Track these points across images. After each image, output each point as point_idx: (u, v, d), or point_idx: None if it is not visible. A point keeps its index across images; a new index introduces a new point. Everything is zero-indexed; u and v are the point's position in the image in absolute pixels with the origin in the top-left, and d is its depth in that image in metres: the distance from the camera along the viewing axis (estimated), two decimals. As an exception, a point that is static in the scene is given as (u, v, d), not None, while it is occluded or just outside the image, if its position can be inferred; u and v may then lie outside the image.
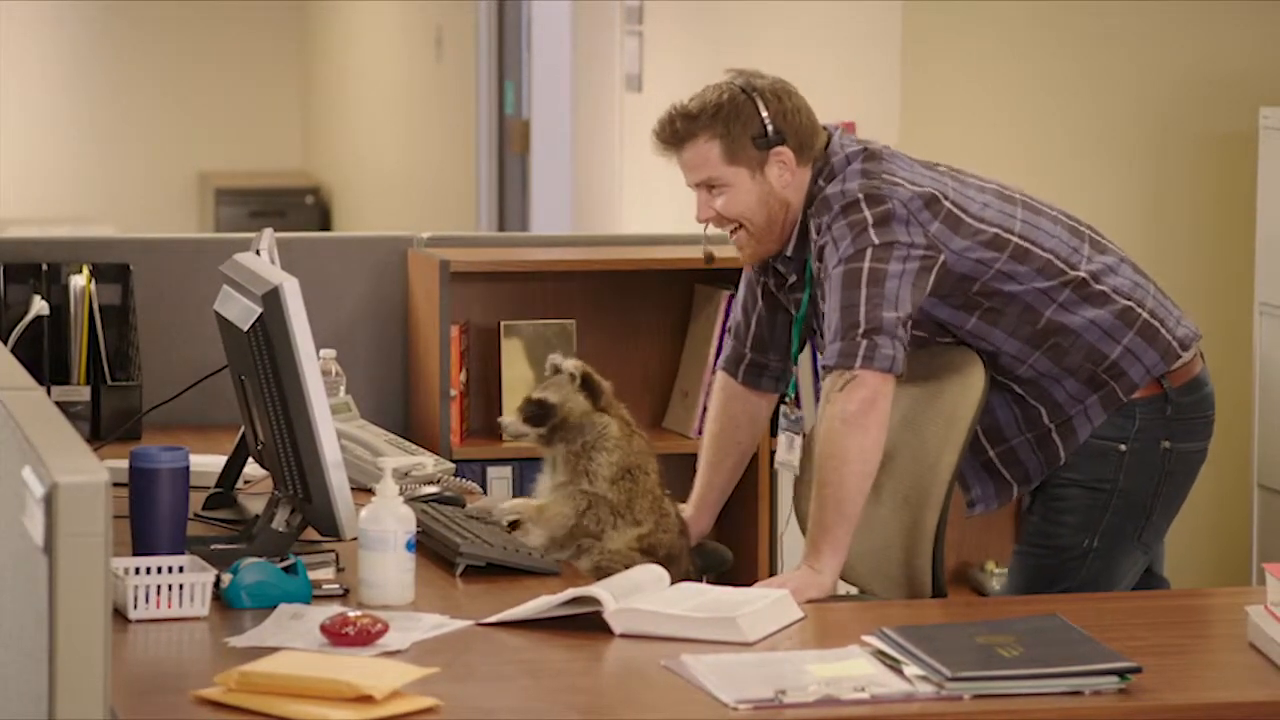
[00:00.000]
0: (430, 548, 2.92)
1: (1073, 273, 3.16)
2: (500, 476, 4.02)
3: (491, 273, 4.06)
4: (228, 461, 3.24)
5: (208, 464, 3.24)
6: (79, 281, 3.87)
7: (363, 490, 3.08)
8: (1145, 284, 3.23)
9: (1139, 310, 3.18)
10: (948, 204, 3.12)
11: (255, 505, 3.09)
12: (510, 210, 7.63)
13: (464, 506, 3.17)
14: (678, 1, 5.91)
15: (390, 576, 2.71)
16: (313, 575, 2.75)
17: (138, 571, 2.65)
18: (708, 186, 3.18)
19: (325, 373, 3.44)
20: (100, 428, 3.79)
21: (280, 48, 10.15)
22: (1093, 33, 4.55)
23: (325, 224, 9.83)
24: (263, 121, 10.18)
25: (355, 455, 3.32)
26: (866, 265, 3.06)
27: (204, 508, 3.17)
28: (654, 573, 2.79)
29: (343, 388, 3.61)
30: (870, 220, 3.09)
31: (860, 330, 3.03)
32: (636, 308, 4.15)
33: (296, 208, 9.82)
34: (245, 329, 2.81)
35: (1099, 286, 3.17)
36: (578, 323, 4.06)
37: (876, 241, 3.07)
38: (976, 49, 4.51)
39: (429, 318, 3.98)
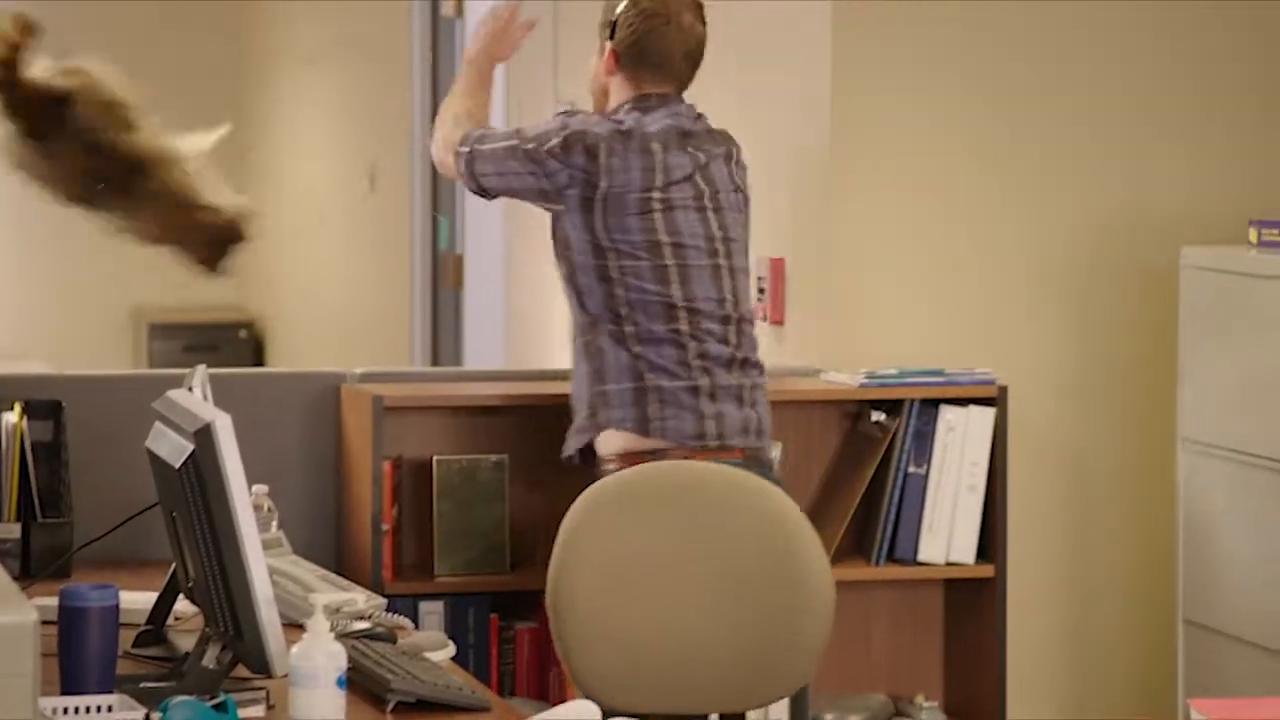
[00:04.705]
0: (361, 684, 2.93)
1: None
2: (432, 612, 4.02)
3: (424, 408, 4.08)
4: (158, 598, 3.23)
5: (138, 601, 3.23)
6: (10, 419, 3.87)
7: (294, 626, 3.08)
8: None
9: None
10: None
11: (186, 642, 3.08)
12: (444, 343, 7.65)
13: (395, 643, 3.17)
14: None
15: (321, 713, 2.71)
16: (243, 713, 2.74)
17: (66, 711, 2.64)
18: None
19: (257, 508, 3.45)
20: (30, 565, 3.77)
21: (215, 179, 10.18)
22: (1021, 172, 4.62)
23: (259, 357, 9.82)
24: (197, 255, 10.18)
25: (287, 591, 3.33)
26: None
27: (134, 645, 3.16)
28: (585, 710, 2.80)
29: (275, 523, 3.61)
30: None
31: None
32: (568, 443, 4.16)
33: (230, 342, 9.81)
34: (177, 466, 2.82)
35: None
36: (510, 458, 4.08)
37: None
38: (901, 192, 4.58)
39: (361, 453, 3.99)
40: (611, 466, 3.67)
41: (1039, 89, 4.61)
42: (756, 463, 3.75)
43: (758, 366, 3.85)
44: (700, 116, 3.86)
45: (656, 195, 3.73)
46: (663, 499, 3.43)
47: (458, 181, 3.94)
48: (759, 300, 4.66)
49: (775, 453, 4.09)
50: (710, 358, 3.74)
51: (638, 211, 3.72)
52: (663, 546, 3.39)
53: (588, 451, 3.77)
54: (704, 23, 3.82)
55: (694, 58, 3.81)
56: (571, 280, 3.78)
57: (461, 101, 3.95)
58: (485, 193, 3.87)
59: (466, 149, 3.85)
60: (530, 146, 3.77)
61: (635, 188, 3.72)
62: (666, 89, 3.81)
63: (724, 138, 3.88)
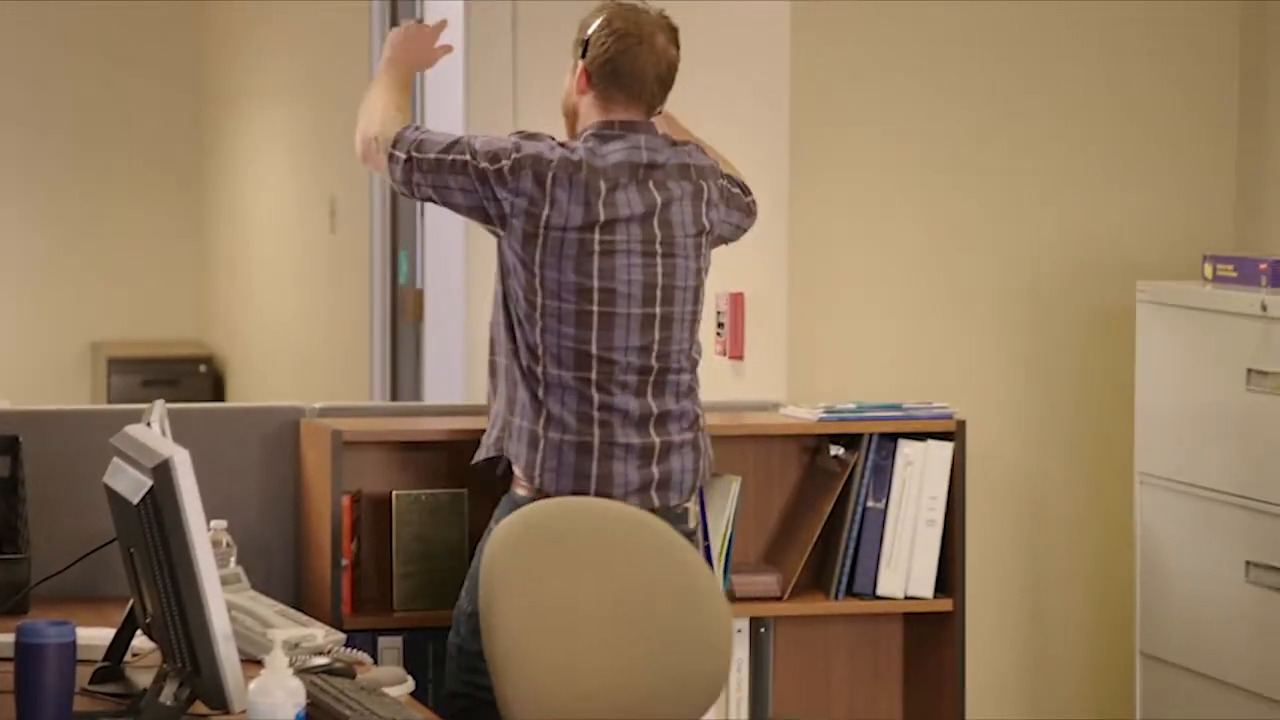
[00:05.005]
0: (319, 720, 2.92)
1: None
2: (391, 646, 4.01)
3: (383, 442, 4.08)
4: (116, 634, 3.22)
5: (96, 637, 3.22)
6: (-32, 453, 3.86)
7: (253, 662, 3.07)
8: None
9: None
10: None
11: (143, 679, 3.08)
12: (403, 378, 7.65)
13: (354, 678, 3.17)
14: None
15: (279, 750, 2.71)
16: (200, 749, 2.74)
17: (23, 747, 2.63)
18: None
19: (216, 544, 3.45)
20: (-13, 600, 3.76)
21: (174, 215, 10.18)
22: (977, 208, 4.64)
23: (219, 392, 9.81)
24: (156, 290, 10.18)
25: (245, 627, 3.32)
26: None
27: (91, 682, 3.15)
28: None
29: (233, 559, 3.61)
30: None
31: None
32: (528, 478, 4.17)
33: (189, 376, 9.80)
34: (135, 502, 2.81)
35: None
36: (469, 492, 4.08)
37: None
38: (859, 228, 4.60)
39: (320, 487, 3.99)
40: (521, 491, 3.70)
41: (995, 125, 4.64)
42: (663, 516, 3.68)
43: (684, 419, 3.74)
44: (678, 145, 3.77)
45: (596, 237, 3.65)
46: (568, 534, 3.46)
47: (379, 174, 3.82)
48: (719, 335, 4.68)
49: (730, 494, 4.08)
50: (614, 411, 3.67)
51: (574, 253, 3.64)
52: (573, 581, 3.42)
53: (501, 458, 3.78)
54: (677, 46, 3.76)
55: (665, 81, 3.74)
56: (504, 303, 3.73)
57: (389, 95, 3.83)
58: (413, 197, 3.77)
59: (403, 154, 3.71)
60: (481, 165, 3.67)
61: (575, 223, 3.64)
62: (636, 112, 3.73)
63: (700, 172, 3.78)
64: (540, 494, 3.65)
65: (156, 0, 10.05)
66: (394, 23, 7.48)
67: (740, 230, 3.95)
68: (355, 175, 7.81)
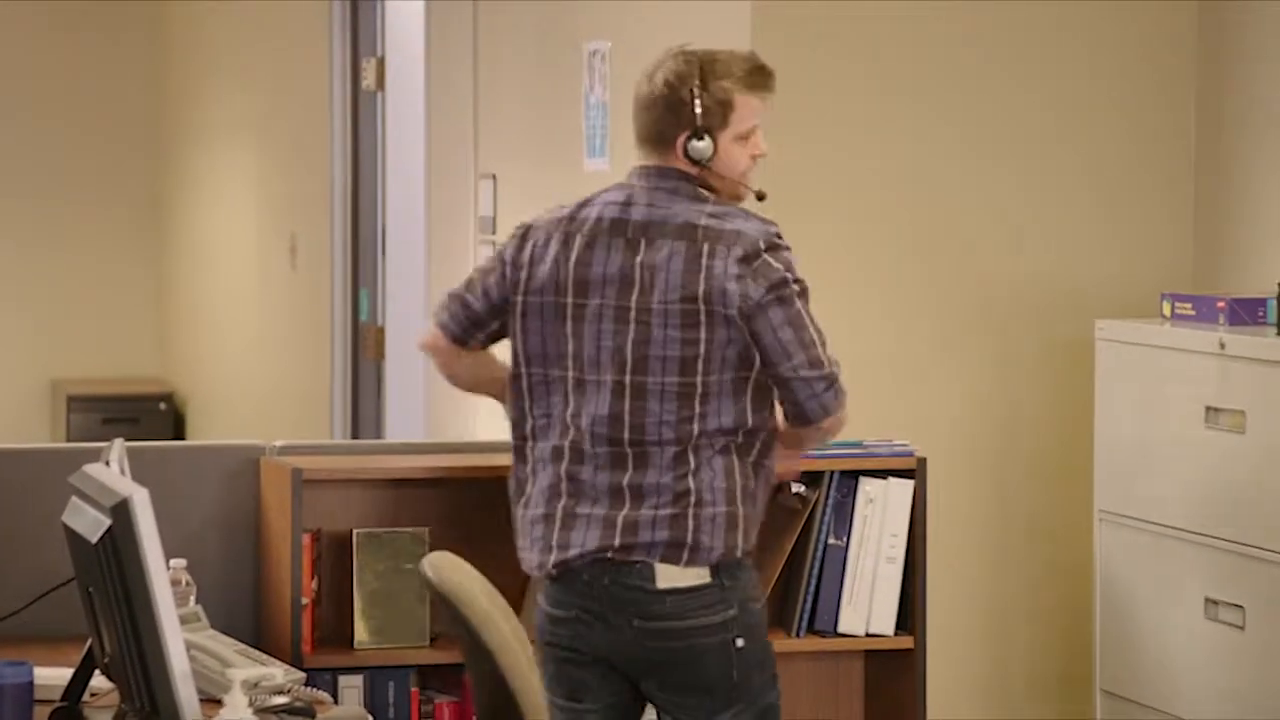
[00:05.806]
0: (279, 760, 2.91)
1: None
2: (352, 685, 4.01)
3: (344, 480, 4.07)
4: (74, 674, 3.21)
5: (54, 677, 3.21)
6: (-74, 491, 3.84)
7: (212, 701, 3.06)
8: None
9: None
10: None
11: (102, 719, 3.06)
12: (364, 416, 7.65)
13: (314, 717, 3.16)
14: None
15: (238, 790, 2.70)
16: (159, 789, 2.73)
17: (-20, 788, 2.62)
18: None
19: (175, 583, 3.44)
20: (-55, 640, 3.74)
21: (134, 252, 10.16)
22: (938, 246, 4.66)
23: (179, 429, 9.78)
24: (116, 327, 10.16)
25: (204, 666, 3.31)
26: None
27: (49, 721, 3.14)
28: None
29: (193, 597, 3.60)
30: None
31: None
32: (490, 516, 4.16)
33: (150, 414, 9.77)
34: (94, 541, 2.81)
35: None
36: (431, 530, 4.07)
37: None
38: (818, 267, 4.62)
39: (281, 526, 3.98)
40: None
41: (956, 166, 4.66)
42: (615, 570, 3.51)
43: (664, 493, 3.48)
44: (702, 202, 3.47)
45: (570, 300, 3.50)
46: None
47: (447, 365, 3.68)
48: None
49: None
50: (579, 482, 3.51)
51: (552, 318, 3.51)
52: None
53: None
54: (667, 81, 3.50)
55: (642, 120, 3.54)
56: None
57: None
58: (478, 344, 3.62)
59: (444, 311, 3.62)
60: (496, 251, 3.61)
61: (550, 284, 3.51)
62: (650, 156, 3.54)
63: (712, 234, 3.43)
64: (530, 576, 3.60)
65: (116, 37, 10.04)
66: (354, 57, 7.49)
67: (785, 355, 3.51)
68: (315, 212, 7.81)
